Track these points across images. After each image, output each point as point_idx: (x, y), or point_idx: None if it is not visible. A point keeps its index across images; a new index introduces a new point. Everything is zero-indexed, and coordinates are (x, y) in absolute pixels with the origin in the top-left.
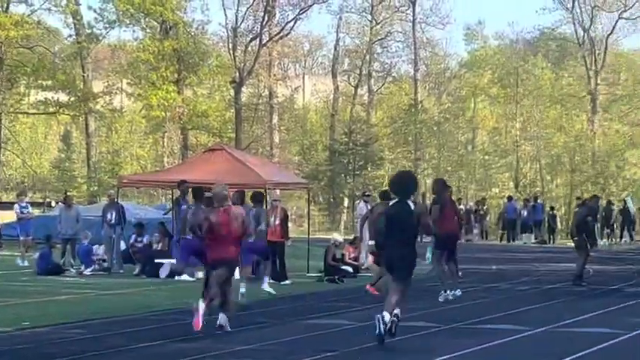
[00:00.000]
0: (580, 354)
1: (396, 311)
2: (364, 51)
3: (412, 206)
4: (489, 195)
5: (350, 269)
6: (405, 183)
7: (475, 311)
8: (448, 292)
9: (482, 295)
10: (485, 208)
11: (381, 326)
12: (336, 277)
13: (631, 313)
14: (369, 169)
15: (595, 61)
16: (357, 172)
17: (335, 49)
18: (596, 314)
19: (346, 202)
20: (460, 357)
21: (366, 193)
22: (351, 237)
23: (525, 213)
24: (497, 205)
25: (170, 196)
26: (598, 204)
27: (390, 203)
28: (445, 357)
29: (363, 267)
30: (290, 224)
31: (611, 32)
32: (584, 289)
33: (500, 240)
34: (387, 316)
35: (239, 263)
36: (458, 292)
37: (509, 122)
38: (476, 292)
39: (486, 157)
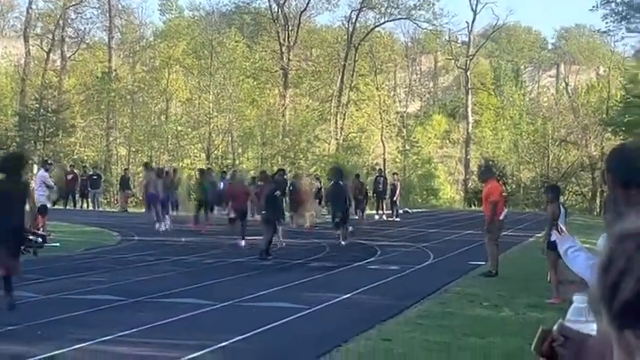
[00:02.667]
0: (263, 328)
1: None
2: (58, 16)
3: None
4: (181, 166)
5: (39, 239)
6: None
7: (161, 284)
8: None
9: (169, 268)
10: (177, 179)
11: None
12: (24, 247)
13: (313, 288)
14: (60, 136)
15: (288, 36)
16: (48, 139)
17: (27, 12)
18: (281, 288)
19: (35, 169)
20: (143, 332)
21: (49, 162)
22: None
23: (222, 185)
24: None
25: None
26: (284, 178)
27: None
28: (128, 332)
29: None
30: None
31: (305, 9)
32: (269, 263)
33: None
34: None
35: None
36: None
37: (203, 94)
38: (163, 265)
39: (179, 128)
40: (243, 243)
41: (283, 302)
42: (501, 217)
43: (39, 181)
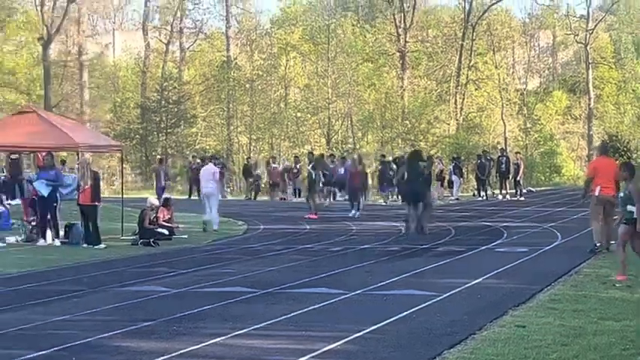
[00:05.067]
0: (395, 317)
1: None
2: (175, 7)
3: None
4: (301, 152)
5: (165, 232)
6: None
7: (290, 274)
8: None
9: (296, 257)
10: (299, 166)
11: None
12: (151, 240)
13: (442, 274)
14: (181, 127)
15: (404, 18)
16: (170, 130)
17: (145, 4)
18: (410, 275)
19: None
20: (276, 324)
21: (216, 157)
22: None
23: (342, 171)
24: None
25: None
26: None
27: None
28: (261, 324)
29: None
30: (102, 183)
31: None
32: (396, 248)
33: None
34: None
35: None
36: None
37: (321, 79)
38: (290, 254)
39: (299, 115)
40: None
41: (413, 289)
42: (596, 194)
43: (209, 175)
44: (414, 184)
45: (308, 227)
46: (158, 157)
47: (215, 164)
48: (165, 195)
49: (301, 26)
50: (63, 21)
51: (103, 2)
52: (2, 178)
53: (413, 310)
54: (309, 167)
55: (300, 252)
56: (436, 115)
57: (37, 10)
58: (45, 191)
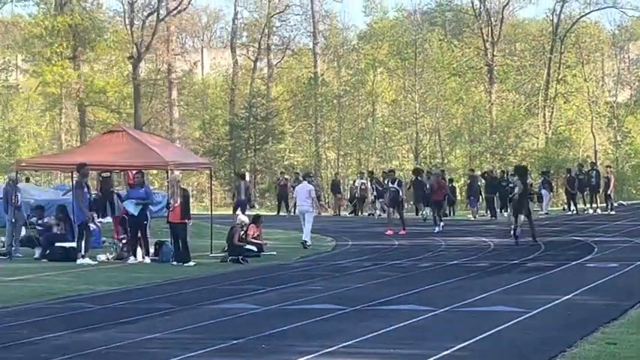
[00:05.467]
0: (484, 334)
1: None
2: (263, 24)
3: None
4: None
5: (254, 248)
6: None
7: (379, 291)
8: None
9: (384, 274)
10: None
11: None
12: (240, 257)
13: (532, 290)
14: (270, 143)
15: (492, 32)
16: (258, 147)
17: (233, 22)
18: (499, 291)
19: (247, 177)
20: (364, 342)
21: (310, 175)
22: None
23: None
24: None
25: (70, 178)
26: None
27: None
28: (350, 342)
29: None
30: (191, 200)
31: (507, 3)
32: (485, 264)
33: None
34: None
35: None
36: None
37: (409, 94)
38: (379, 271)
39: (386, 130)
40: (436, 229)
41: (502, 306)
42: None
43: (305, 193)
44: (523, 197)
45: (396, 243)
46: (244, 171)
47: (309, 181)
48: (256, 212)
49: (388, 41)
50: (152, 40)
51: (191, 21)
52: (93, 195)
53: (502, 327)
54: (395, 184)
55: (388, 268)
56: (525, 129)
57: (126, 29)
58: (135, 211)
